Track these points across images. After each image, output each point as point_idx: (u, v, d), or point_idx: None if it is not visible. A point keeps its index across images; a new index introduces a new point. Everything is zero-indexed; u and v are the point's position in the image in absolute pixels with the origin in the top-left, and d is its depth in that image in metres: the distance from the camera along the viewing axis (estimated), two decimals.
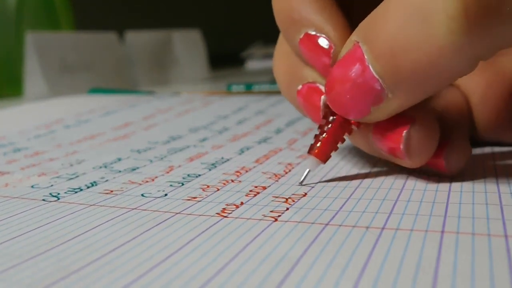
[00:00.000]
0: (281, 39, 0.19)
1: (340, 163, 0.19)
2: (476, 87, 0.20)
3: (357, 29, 0.14)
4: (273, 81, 0.52)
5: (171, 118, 0.33)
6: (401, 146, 0.15)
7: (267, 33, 0.92)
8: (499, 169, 0.17)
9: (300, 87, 0.18)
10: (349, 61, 0.14)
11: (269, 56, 0.60)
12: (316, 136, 0.16)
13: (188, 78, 0.68)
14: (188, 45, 0.68)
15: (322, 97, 0.17)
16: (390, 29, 0.13)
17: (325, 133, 0.16)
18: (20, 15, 0.54)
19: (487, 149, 0.20)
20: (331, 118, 0.16)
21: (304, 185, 0.17)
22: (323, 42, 0.16)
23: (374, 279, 0.10)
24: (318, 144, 0.16)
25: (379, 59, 0.14)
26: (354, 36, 0.14)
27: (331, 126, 0.16)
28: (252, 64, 0.60)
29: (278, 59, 0.19)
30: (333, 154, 0.17)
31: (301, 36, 0.16)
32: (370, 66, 0.14)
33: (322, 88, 0.17)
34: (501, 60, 0.20)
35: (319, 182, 0.17)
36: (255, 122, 0.30)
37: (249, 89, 0.45)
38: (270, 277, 0.10)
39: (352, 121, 0.16)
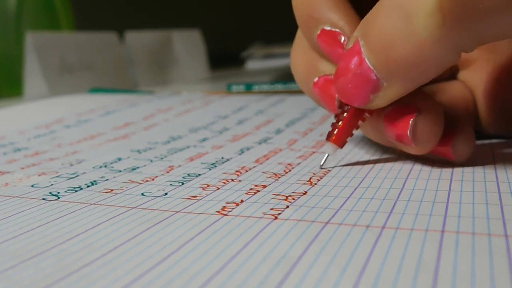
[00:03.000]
0: (298, 37, 0.21)
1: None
2: (480, 82, 0.21)
3: (358, 26, 0.16)
4: (273, 81, 0.52)
5: (171, 118, 0.33)
6: (408, 133, 0.17)
7: (267, 33, 0.93)
8: (499, 169, 0.17)
9: (316, 79, 0.19)
10: (350, 54, 0.16)
11: (269, 56, 0.59)
12: (333, 124, 0.18)
13: (188, 78, 0.68)
14: (188, 45, 0.68)
15: None
16: (380, 26, 0.15)
17: (341, 121, 0.18)
18: (20, 15, 0.54)
19: (487, 148, 0.20)
20: (346, 107, 0.18)
21: (323, 168, 0.19)
22: (338, 36, 0.18)
23: (374, 278, 0.10)
24: (335, 131, 0.18)
25: (372, 52, 0.15)
26: (355, 32, 0.16)
27: (346, 114, 0.18)
28: (252, 64, 0.60)
29: (296, 55, 0.21)
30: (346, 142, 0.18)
31: (319, 32, 0.18)
32: (366, 59, 0.16)
33: None
34: (505, 57, 0.20)
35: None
36: (255, 122, 0.30)
37: (249, 89, 0.45)
38: (270, 276, 0.10)
39: (365, 110, 0.17)
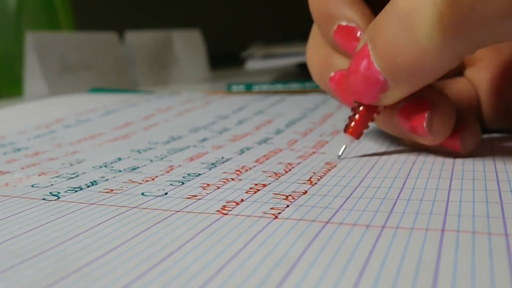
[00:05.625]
0: (313, 33, 0.22)
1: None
2: (482, 80, 0.22)
3: (367, 29, 0.17)
4: (273, 81, 0.52)
5: (171, 118, 0.33)
6: (424, 125, 0.18)
7: (267, 33, 0.92)
8: (499, 167, 0.17)
9: (332, 74, 0.20)
10: (359, 56, 0.17)
11: (269, 56, 0.59)
12: (350, 117, 0.19)
13: (188, 78, 0.68)
14: (188, 45, 0.68)
15: None
16: (386, 33, 0.16)
17: (357, 114, 0.19)
18: (20, 15, 0.54)
19: (487, 147, 0.20)
20: (359, 109, 0.19)
21: (342, 159, 0.20)
22: (354, 30, 0.19)
23: (374, 278, 0.10)
24: (352, 124, 0.19)
25: (379, 57, 0.16)
26: (364, 36, 0.17)
27: (362, 108, 0.19)
28: (252, 64, 0.60)
29: (311, 51, 0.22)
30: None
31: (335, 28, 0.19)
32: (374, 62, 0.17)
33: None
34: (506, 54, 0.22)
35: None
36: (255, 122, 0.30)
37: (249, 89, 0.45)
38: (270, 275, 0.10)
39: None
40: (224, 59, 0.80)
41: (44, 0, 0.56)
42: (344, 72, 0.19)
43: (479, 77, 0.22)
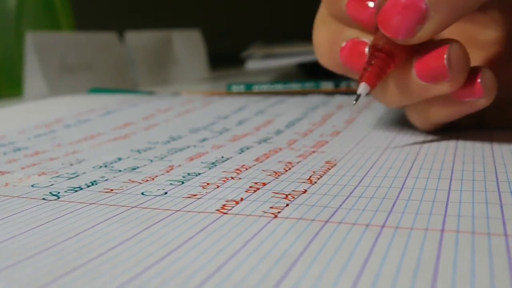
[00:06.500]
0: (320, 13, 0.23)
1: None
2: None
3: None
4: (273, 81, 0.52)
5: (171, 118, 0.33)
6: (445, 62, 0.18)
7: (267, 33, 0.92)
8: (499, 168, 0.17)
9: (344, 44, 0.21)
10: None
11: (269, 56, 0.59)
12: (364, 68, 0.19)
13: (188, 78, 0.68)
14: (188, 45, 0.68)
15: (366, 48, 0.20)
16: None
17: (370, 67, 0.19)
18: (20, 15, 0.54)
19: (487, 147, 0.20)
20: (373, 61, 0.19)
21: (354, 104, 0.20)
22: (367, 1, 0.20)
23: (373, 277, 0.10)
24: (366, 73, 0.19)
25: None
26: None
27: (374, 62, 0.19)
28: (252, 64, 0.60)
29: (319, 30, 0.23)
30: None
31: (347, 0, 0.20)
32: None
33: (367, 40, 0.20)
34: (488, 53, 0.23)
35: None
36: (255, 123, 0.30)
37: (249, 89, 0.45)
38: (270, 274, 0.10)
39: (395, 58, 0.19)
40: (224, 59, 0.80)
41: (44, 0, 0.56)
42: (357, 39, 0.21)
43: None
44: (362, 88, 0.19)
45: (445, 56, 0.18)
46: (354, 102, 0.20)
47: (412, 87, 0.20)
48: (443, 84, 0.19)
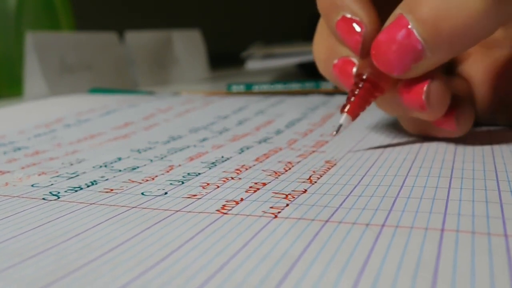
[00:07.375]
0: (320, 25, 0.23)
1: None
2: (475, 73, 0.23)
3: (400, 5, 0.18)
4: (273, 81, 0.52)
5: (171, 118, 0.33)
6: (423, 97, 0.19)
7: (267, 33, 0.92)
8: (499, 167, 0.17)
9: (336, 61, 0.22)
10: (395, 27, 0.18)
11: (269, 56, 0.59)
12: (348, 98, 0.20)
13: (188, 78, 0.68)
14: (188, 45, 0.68)
15: (354, 68, 0.21)
16: (433, 2, 0.17)
17: (353, 97, 0.19)
18: (20, 15, 0.54)
19: (487, 146, 0.20)
20: (360, 84, 0.19)
21: (335, 136, 0.20)
22: (356, 24, 0.19)
23: (374, 277, 0.10)
24: (349, 105, 0.20)
25: (422, 24, 0.17)
26: (398, 10, 0.18)
27: (358, 92, 0.19)
28: (252, 64, 0.60)
29: (318, 41, 0.23)
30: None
31: (339, 18, 0.19)
32: (414, 31, 0.17)
33: (354, 60, 0.21)
34: (497, 51, 0.23)
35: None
36: (255, 123, 0.30)
37: (249, 89, 0.45)
38: (270, 274, 0.10)
39: (378, 88, 0.19)
40: (224, 59, 0.80)
41: (44, 0, 0.56)
42: (347, 58, 0.21)
43: (472, 71, 0.23)
44: (344, 119, 0.20)
45: (424, 89, 0.19)
46: (335, 133, 0.20)
47: (396, 107, 0.20)
48: (422, 112, 0.19)
